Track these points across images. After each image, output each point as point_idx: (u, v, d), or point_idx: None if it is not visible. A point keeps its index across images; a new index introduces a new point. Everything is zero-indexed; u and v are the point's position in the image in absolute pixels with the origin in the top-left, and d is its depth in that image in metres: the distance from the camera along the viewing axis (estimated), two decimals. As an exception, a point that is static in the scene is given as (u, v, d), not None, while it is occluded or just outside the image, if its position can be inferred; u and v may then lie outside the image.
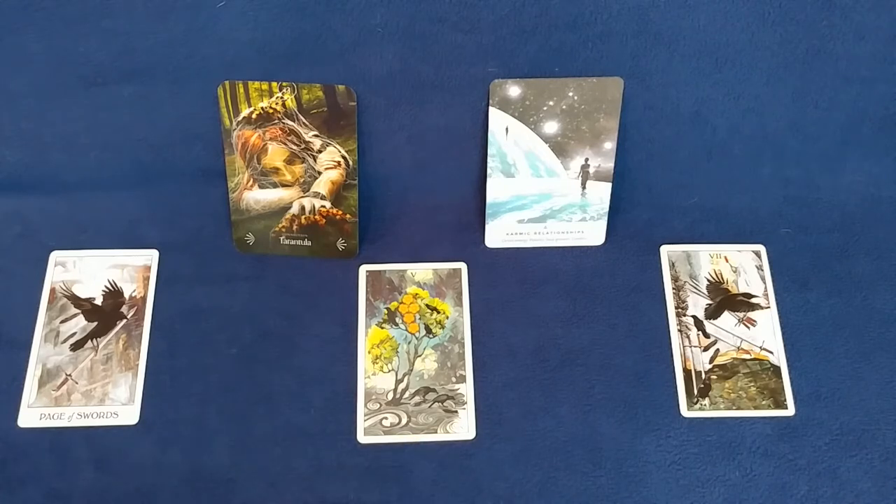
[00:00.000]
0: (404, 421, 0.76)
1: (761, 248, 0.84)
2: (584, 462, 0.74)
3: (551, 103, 0.80)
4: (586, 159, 0.82)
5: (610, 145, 0.81)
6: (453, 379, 0.78)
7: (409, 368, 0.78)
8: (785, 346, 0.80)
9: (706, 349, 0.79)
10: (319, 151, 0.81)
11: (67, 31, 0.78)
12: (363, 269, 0.83)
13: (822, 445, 0.75)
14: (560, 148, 0.81)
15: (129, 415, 0.76)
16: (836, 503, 0.73)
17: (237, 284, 0.82)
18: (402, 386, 0.78)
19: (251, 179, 0.82)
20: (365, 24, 0.77)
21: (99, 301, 0.81)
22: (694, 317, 0.81)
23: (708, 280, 0.83)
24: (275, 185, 0.82)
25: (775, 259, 0.84)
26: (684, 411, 0.77)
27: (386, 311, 0.81)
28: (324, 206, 0.82)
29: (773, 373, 0.78)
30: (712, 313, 0.81)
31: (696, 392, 0.77)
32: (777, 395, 0.77)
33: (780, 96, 0.83)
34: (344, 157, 0.81)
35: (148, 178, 0.85)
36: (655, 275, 0.83)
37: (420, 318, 0.81)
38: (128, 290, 0.81)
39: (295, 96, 0.79)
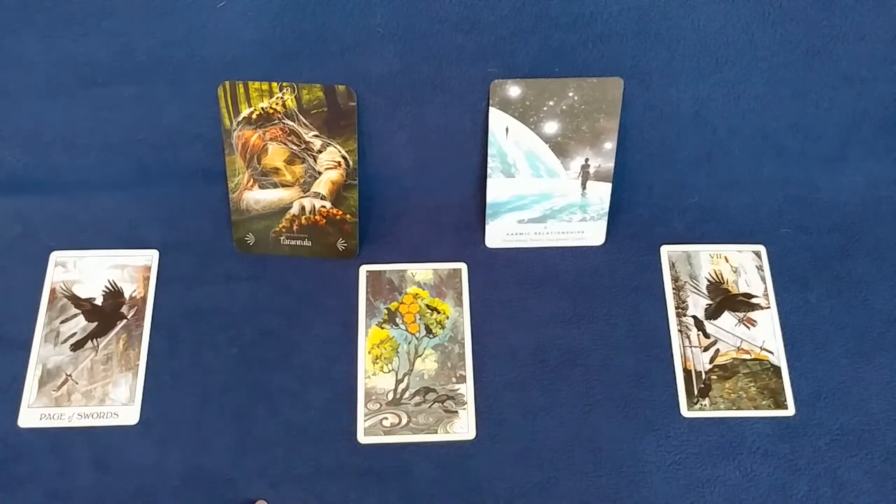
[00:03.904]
0: (404, 421, 0.76)
1: (761, 248, 0.84)
2: (584, 462, 0.74)
3: (551, 103, 0.80)
4: (586, 159, 0.82)
5: (610, 145, 0.81)
6: (453, 379, 0.78)
7: (410, 368, 0.78)
8: (785, 346, 0.80)
9: (706, 349, 0.79)
10: (319, 151, 0.81)
11: (67, 31, 0.78)
12: (363, 269, 0.83)
13: (822, 445, 0.75)
14: (560, 148, 0.81)
15: (129, 415, 0.76)
16: (835, 503, 0.73)
17: (237, 284, 0.82)
18: (402, 386, 0.78)
19: (251, 179, 0.82)
20: (365, 24, 0.77)
21: (99, 301, 0.81)
22: (694, 317, 0.81)
23: (708, 280, 0.83)
24: (275, 186, 0.82)
25: (775, 259, 0.84)
26: (684, 411, 0.77)
27: (386, 312, 0.81)
28: (324, 207, 0.82)
29: (773, 373, 0.78)
30: (712, 313, 0.81)
31: (696, 392, 0.77)
32: (777, 395, 0.77)
33: (780, 96, 0.83)
34: (344, 158, 0.81)
35: (148, 178, 0.85)
36: (655, 275, 0.83)
37: (420, 319, 0.81)
38: (128, 290, 0.81)
39: (295, 96, 0.79)
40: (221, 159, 0.82)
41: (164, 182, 0.86)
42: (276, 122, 0.80)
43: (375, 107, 0.81)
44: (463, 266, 0.83)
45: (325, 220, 0.83)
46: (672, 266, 0.83)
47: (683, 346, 0.79)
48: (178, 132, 0.84)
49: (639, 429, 0.76)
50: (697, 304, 0.81)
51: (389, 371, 0.78)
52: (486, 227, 0.84)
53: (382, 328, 0.80)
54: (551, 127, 0.80)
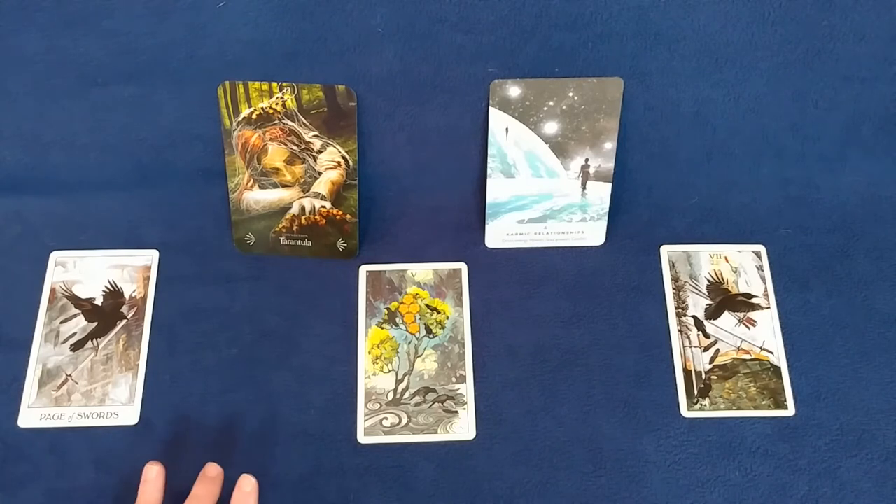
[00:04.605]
0: (404, 421, 0.76)
1: (761, 248, 0.84)
2: (584, 462, 0.74)
3: (551, 103, 0.80)
4: (586, 159, 0.82)
5: (610, 145, 0.81)
6: (453, 379, 0.78)
7: (410, 369, 0.78)
8: (785, 346, 0.80)
9: (706, 349, 0.79)
10: (319, 152, 0.81)
11: (67, 31, 0.78)
12: (363, 270, 0.83)
13: (822, 445, 0.75)
14: (560, 148, 0.81)
15: (129, 415, 0.76)
16: (835, 503, 0.73)
17: (237, 284, 0.82)
18: (402, 386, 0.78)
19: (251, 180, 0.82)
20: (365, 24, 0.77)
21: (99, 301, 0.81)
22: (694, 317, 0.81)
23: (708, 280, 0.83)
24: (275, 186, 0.82)
25: (775, 259, 0.84)
26: (684, 411, 0.77)
27: (386, 312, 0.81)
28: (324, 207, 0.82)
29: (773, 373, 0.78)
30: (712, 313, 0.81)
31: (696, 392, 0.77)
32: (777, 395, 0.77)
33: (780, 96, 0.83)
34: (344, 158, 0.81)
35: (148, 178, 0.85)
36: (655, 275, 0.83)
37: (420, 319, 0.81)
38: (128, 291, 0.81)
39: (295, 96, 0.79)
40: (221, 159, 0.82)
41: (163, 182, 0.86)
42: (276, 122, 0.80)
43: (375, 107, 0.81)
44: (463, 266, 0.83)
45: (325, 220, 0.83)
46: (672, 266, 0.83)
47: (683, 346, 0.79)
48: (177, 132, 0.84)
49: (639, 429, 0.76)
50: (697, 304, 0.81)
51: (389, 371, 0.78)
52: (486, 227, 0.84)
53: (382, 328, 0.80)
54: (551, 127, 0.80)
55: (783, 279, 0.83)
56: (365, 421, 0.76)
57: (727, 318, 0.81)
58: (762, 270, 0.83)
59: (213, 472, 0.68)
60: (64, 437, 0.75)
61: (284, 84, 0.78)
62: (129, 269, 0.82)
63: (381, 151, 0.84)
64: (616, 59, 0.80)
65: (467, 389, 0.77)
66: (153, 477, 0.66)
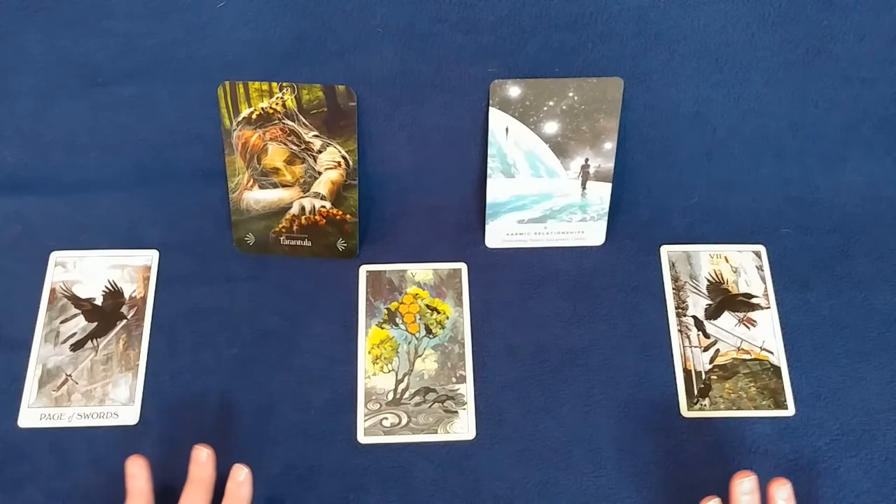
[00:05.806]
0: (404, 421, 0.76)
1: (761, 248, 0.84)
2: (584, 462, 0.74)
3: (551, 103, 0.80)
4: (586, 159, 0.82)
5: (610, 145, 0.81)
6: (453, 379, 0.78)
7: (410, 369, 0.78)
8: (785, 346, 0.80)
9: (706, 349, 0.79)
10: (319, 152, 0.81)
11: (67, 31, 0.78)
12: (363, 270, 0.83)
13: (822, 445, 0.75)
14: (560, 148, 0.81)
15: (129, 415, 0.76)
16: (835, 503, 0.73)
17: (237, 284, 0.82)
18: (402, 386, 0.78)
19: (251, 180, 0.82)
20: (365, 24, 0.77)
21: (99, 301, 0.81)
22: (694, 317, 0.81)
23: (708, 280, 0.83)
24: (275, 186, 0.82)
25: (775, 259, 0.84)
26: (684, 411, 0.77)
27: (386, 312, 0.81)
28: (324, 207, 0.82)
29: (773, 373, 0.78)
30: (712, 313, 0.81)
31: (696, 392, 0.77)
32: (777, 395, 0.77)
33: (780, 96, 0.83)
34: (344, 158, 0.81)
35: (148, 178, 0.86)
36: (655, 275, 0.83)
37: (420, 319, 0.81)
38: (128, 291, 0.81)
39: (295, 96, 0.79)
40: (221, 159, 0.82)
41: (164, 182, 0.86)
42: (276, 122, 0.80)
43: (375, 107, 0.81)
44: (463, 266, 0.83)
45: (325, 220, 0.83)
46: (672, 266, 0.83)
47: (683, 346, 0.79)
48: (177, 132, 0.84)
49: (639, 429, 0.76)
50: (697, 304, 0.81)
51: (389, 371, 0.78)
52: (486, 227, 0.84)
53: (382, 328, 0.80)
54: (551, 127, 0.80)
55: (783, 279, 0.83)
56: (365, 421, 0.76)
57: (727, 318, 0.81)
58: (762, 270, 0.83)
59: (202, 456, 0.68)
60: (64, 437, 0.75)
61: (284, 84, 0.78)
62: (129, 269, 0.83)
63: (381, 151, 0.84)
64: (616, 59, 0.80)
65: (467, 389, 0.77)
66: (137, 471, 0.67)
